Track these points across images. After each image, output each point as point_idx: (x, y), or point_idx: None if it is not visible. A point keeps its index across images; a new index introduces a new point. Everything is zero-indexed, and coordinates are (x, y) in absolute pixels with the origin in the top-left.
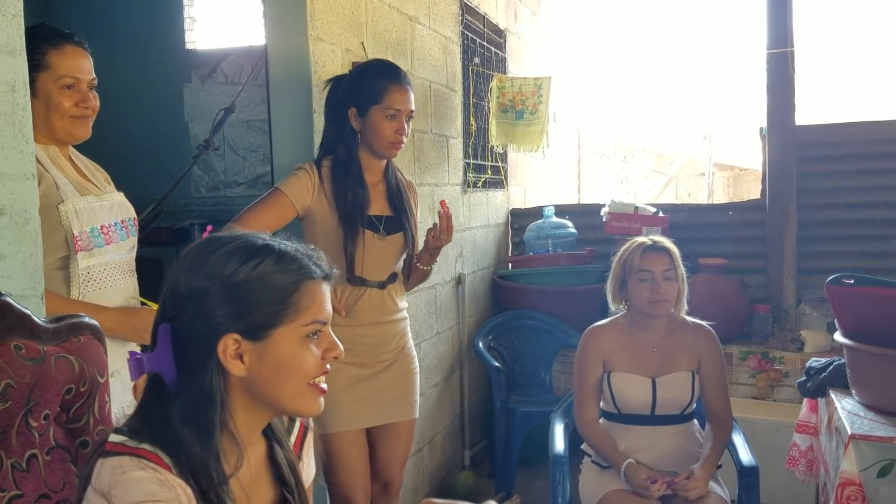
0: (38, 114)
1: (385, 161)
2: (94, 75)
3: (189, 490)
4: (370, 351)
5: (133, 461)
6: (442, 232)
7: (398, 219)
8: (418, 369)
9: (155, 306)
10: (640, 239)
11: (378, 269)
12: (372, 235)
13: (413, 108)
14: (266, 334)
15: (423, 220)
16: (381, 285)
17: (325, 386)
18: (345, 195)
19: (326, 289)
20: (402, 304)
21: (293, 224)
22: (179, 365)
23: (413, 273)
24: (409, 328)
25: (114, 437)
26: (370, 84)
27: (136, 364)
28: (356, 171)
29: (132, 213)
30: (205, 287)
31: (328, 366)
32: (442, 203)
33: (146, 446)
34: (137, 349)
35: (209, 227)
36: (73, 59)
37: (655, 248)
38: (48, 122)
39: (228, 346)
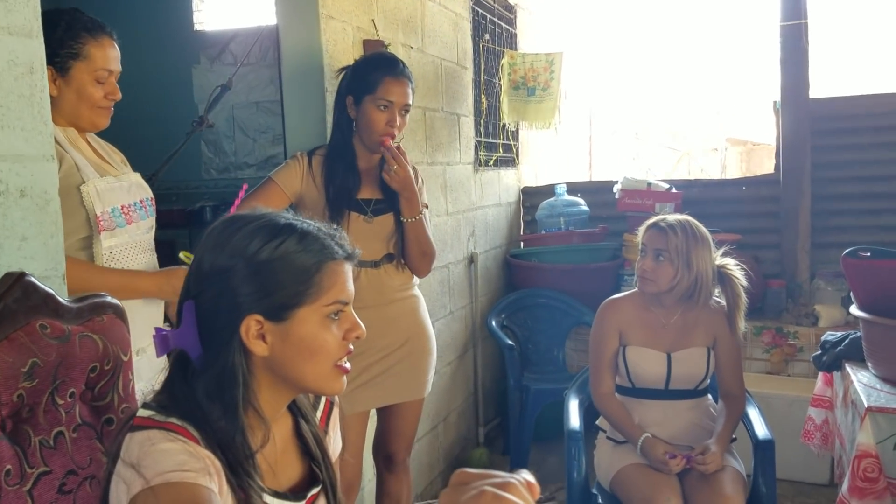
0: (67, 100)
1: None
2: (121, 67)
3: (217, 462)
4: (371, 335)
5: (162, 434)
6: (392, 166)
7: (388, 201)
8: (434, 348)
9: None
10: (665, 215)
11: (368, 250)
12: (357, 217)
13: (409, 101)
14: (288, 315)
15: (434, 198)
16: (375, 264)
17: (348, 366)
18: (333, 181)
19: (348, 269)
20: (407, 283)
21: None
22: (204, 342)
23: (405, 234)
24: (422, 307)
25: (142, 412)
26: (367, 74)
27: (161, 340)
28: (349, 158)
29: (149, 193)
30: (228, 265)
31: (351, 346)
32: (385, 141)
33: (174, 420)
34: (164, 324)
35: (245, 186)
36: (108, 51)
37: (659, 226)
38: (76, 110)
39: (251, 326)
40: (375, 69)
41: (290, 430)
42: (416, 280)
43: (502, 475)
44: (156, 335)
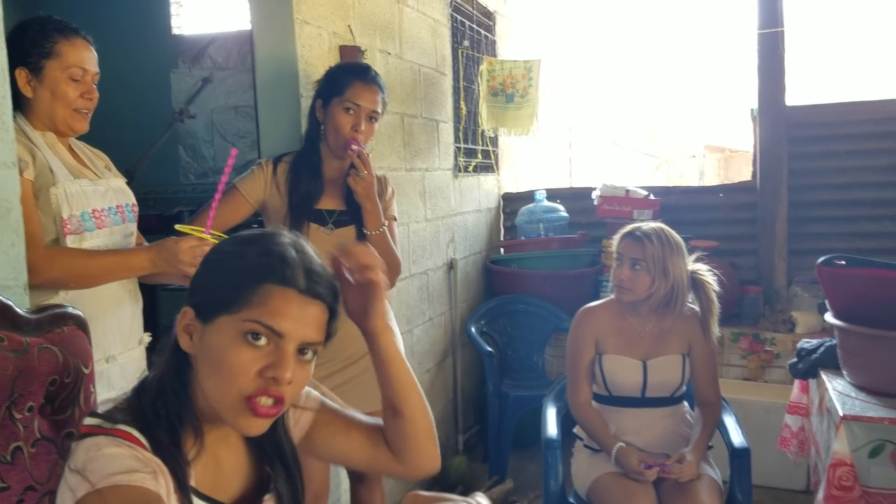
0: (42, 101)
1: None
2: (98, 69)
3: (166, 469)
4: (333, 345)
5: (109, 439)
6: (361, 170)
7: (351, 213)
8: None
9: (187, 230)
10: (638, 223)
11: (327, 262)
12: (317, 229)
13: (377, 108)
14: (212, 317)
15: (414, 204)
16: None
17: (265, 409)
18: (298, 188)
19: (299, 303)
20: None
21: None
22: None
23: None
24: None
25: (89, 420)
26: (337, 77)
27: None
28: (315, 164)
29: (131, 199)
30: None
31: (272, 390)
32: (351, 143)
33: (121, 427)
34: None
35: (234, 151)
36: (81, 51)
37: (635, 235)
38: (51, 111)
39: (185, 315)
40: (346, 73)
41: (240, 437)
42: None
43: (454, 499)
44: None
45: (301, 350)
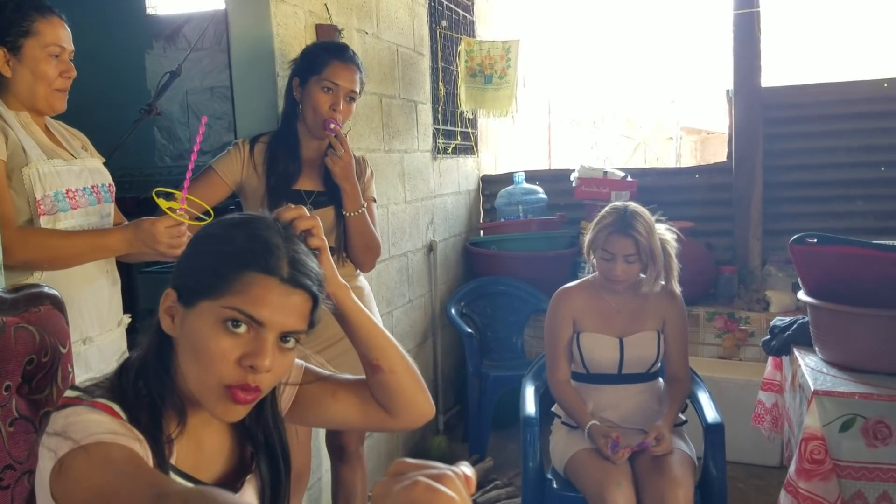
0: (22, 80)
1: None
2: (73, 47)
3: (146, 443)
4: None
5: (89, 408)
6: (338, 150)
7: (329, 193)
8: None
9: (163, 204)
10: (616, 209)
11: None
12: None
13: (355, 88)
14: (193, 302)
15: (392, 186)
16: None
17: (243, 395)
18: (275, 168)
19: (281, 292)
20: (349, 275)
21: None
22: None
23: (347, 228)
24: (366, 297)
25: (69, 393)
26: (314, 56)
27: None
28: (292, 144)
29: (107, 179)
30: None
31: (250, 380)
32: (330, 121)
33: (101, 400)
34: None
35: (204, 119)
36: (58, 29)
37: (622, 231)
38: (32, 90)
39: (168, 297)
40: (324, 52)
41: None
42: (359, 273)
43: (440, 466)
44: None
45: (283, 338)
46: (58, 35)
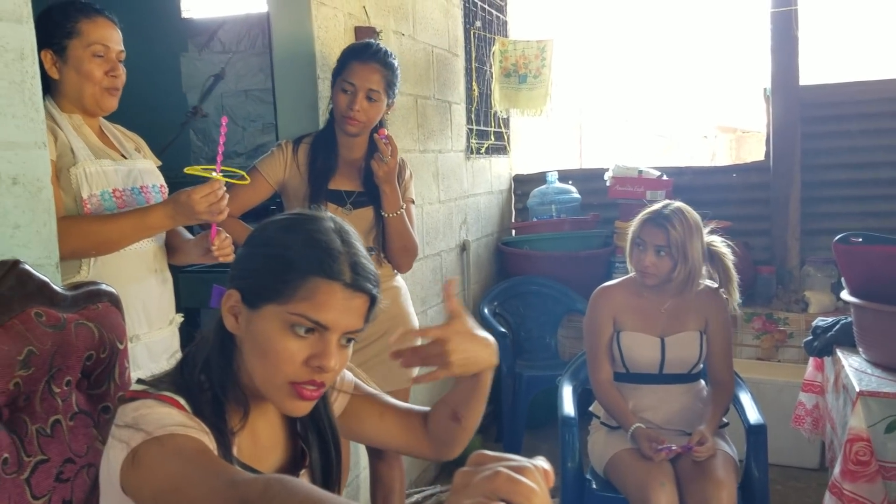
0: (69, 82)
1: (364, 137)
2: (123, 48)
3: (211, 435)
4: None
5: (157, 402)
6: (385, 155)
7: (369, 194)
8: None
9: (194, 170)
10: (662, 204)
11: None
12: (336, 209)
13: (374, 87)
14: (259, 305)
15: (427, 186)
16: None
17: (310, 391)
18: (314, 168)
19: (344, 296)
20: (386, 276)
21: None
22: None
23: (385, 229)
24: (403, 297)
25: (135, 386)
26: (340, 58)
27: (217, 293)
28: (329, 144)
29: (159, 180)
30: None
31: (316, 377)
32: (381, 131)
33: (167, 393)
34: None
35: (224, 119)
36: (103, 29)
37: (656, 220)
38: (79, 90)
39: (231, 297)
40: (347, 53)
41: (277, 412)
42: (397, 273)
43: (519, 459)
44: (214, 290)
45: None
46: (102, 34)
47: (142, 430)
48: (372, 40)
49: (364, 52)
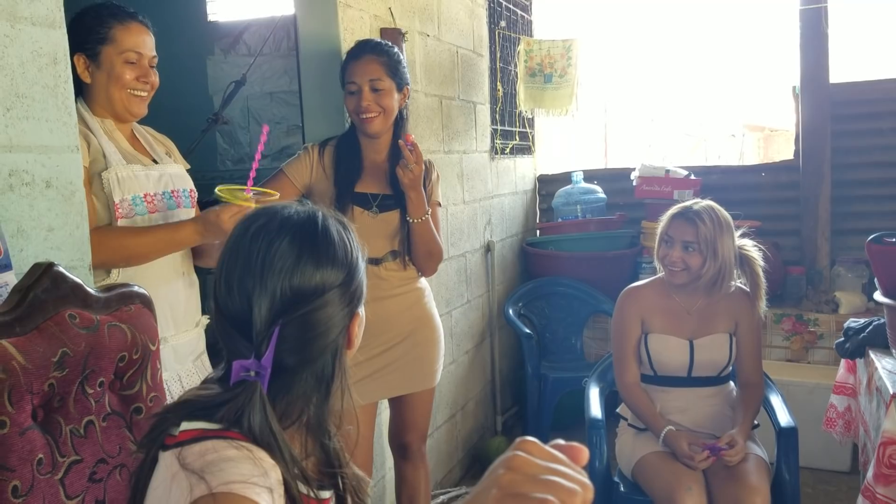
0: (100, 85)
1: (387, 139)
2: (156, 53)
3: (279, 472)
4: (371, 329)
5: (223, 442)
6: (410, 162)
7: (396, 197)
8: (442, 337)
9: (224, 192)
10: (686, 203)
11: (370, 247)
12: (361, 212)
13: (374, 76)
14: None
15: (451, 187)
16: (375, 262)
17: None
18: (339, 171)
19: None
20: (410, 277)
21: None
22: (294, 352)
23: (411, 234)
24: (427, 298)
25: (188, 426)
26: (340, 69)
27: (239, 369)
28: (354, 146)
29: (189, 184)
30: (322, 280)
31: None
32: (407, 137)
33: (230, 427)
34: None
35: (266, 128)
36: (136, 35)
37: (685, 216)
38: (108, 93)
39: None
40: (346, 56)
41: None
42: (420, 274)
43: (571, 475)
44: (236, 366)
45: None
46: (135, 41)
47: (204, 480)
48: (372, 39)
49: (356, 50)
